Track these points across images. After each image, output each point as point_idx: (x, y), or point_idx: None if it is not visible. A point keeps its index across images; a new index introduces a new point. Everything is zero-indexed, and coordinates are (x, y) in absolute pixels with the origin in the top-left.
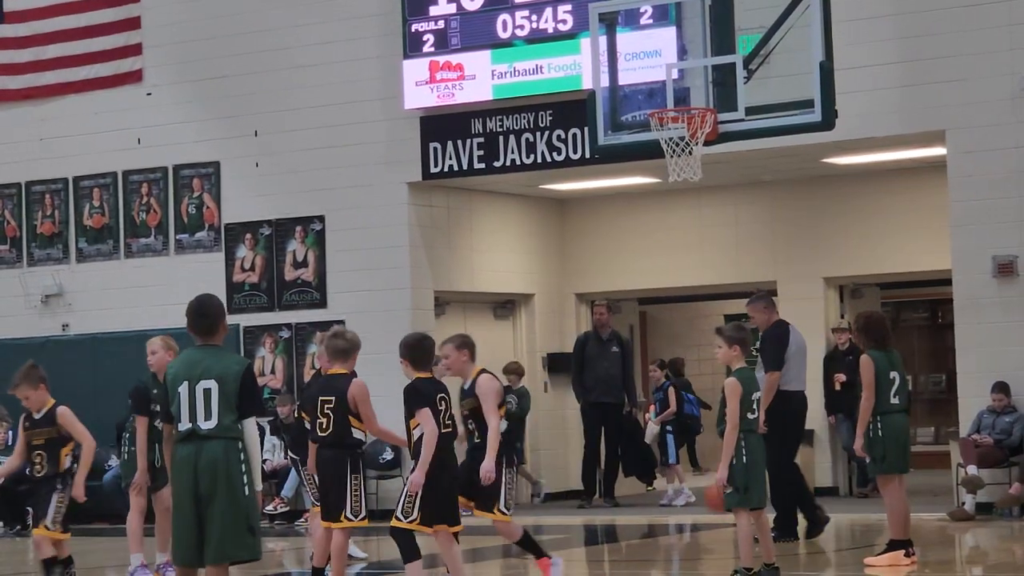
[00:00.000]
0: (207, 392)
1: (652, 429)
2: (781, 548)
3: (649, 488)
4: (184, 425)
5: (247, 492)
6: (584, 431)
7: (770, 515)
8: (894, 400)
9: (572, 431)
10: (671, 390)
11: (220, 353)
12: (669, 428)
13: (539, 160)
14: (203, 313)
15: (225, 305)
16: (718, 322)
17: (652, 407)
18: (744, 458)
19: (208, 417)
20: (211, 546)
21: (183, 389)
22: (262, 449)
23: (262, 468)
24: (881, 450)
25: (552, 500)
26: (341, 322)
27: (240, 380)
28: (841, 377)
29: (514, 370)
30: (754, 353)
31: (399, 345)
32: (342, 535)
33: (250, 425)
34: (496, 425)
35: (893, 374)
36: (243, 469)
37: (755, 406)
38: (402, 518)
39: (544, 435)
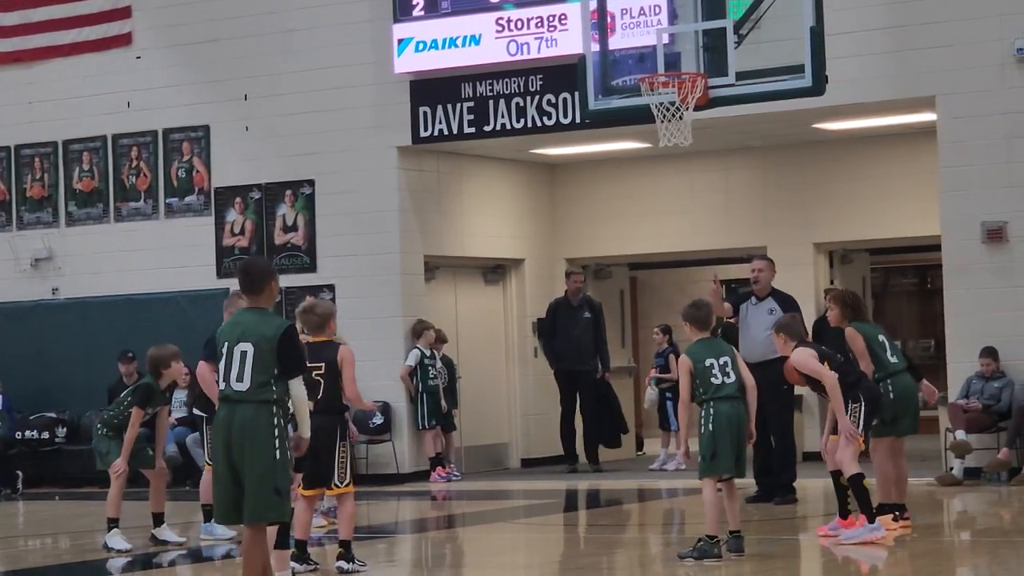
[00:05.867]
0: (243, 354)
1: (651, 394)
2: (770, 512)
3: (639, 452)
4: (222, 386)
5: (277, 455)
6: (560, 398)
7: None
8: (893, 359)
9: None
10: (671, 357)
11: (263, 315)
12: (669, 394)
13: (529, 125)
14: (245, 272)
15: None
16: (708, 288)
17: (653, 371)
18: (711, 426)
19: (240, 379)
20: (247, 507)
21: (225, 350)
22: None
23: None
24: (892, 412)
25: (542, 465)
26: (331, 286)
27: (277, 342)
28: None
29: (440, 338)
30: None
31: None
32: (351, 500)
33: (296, 385)
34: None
35: (881, 337)
36: (275, 433)
37: (719, 371)
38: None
39: (533, 400)
